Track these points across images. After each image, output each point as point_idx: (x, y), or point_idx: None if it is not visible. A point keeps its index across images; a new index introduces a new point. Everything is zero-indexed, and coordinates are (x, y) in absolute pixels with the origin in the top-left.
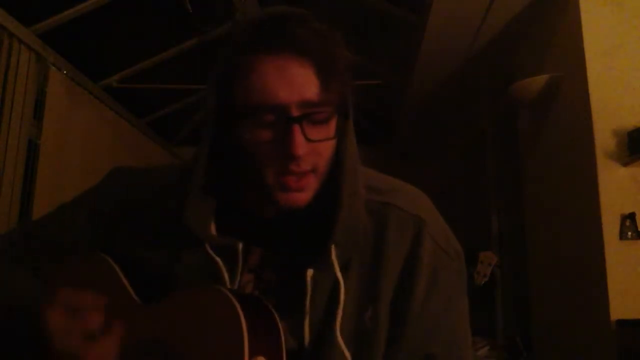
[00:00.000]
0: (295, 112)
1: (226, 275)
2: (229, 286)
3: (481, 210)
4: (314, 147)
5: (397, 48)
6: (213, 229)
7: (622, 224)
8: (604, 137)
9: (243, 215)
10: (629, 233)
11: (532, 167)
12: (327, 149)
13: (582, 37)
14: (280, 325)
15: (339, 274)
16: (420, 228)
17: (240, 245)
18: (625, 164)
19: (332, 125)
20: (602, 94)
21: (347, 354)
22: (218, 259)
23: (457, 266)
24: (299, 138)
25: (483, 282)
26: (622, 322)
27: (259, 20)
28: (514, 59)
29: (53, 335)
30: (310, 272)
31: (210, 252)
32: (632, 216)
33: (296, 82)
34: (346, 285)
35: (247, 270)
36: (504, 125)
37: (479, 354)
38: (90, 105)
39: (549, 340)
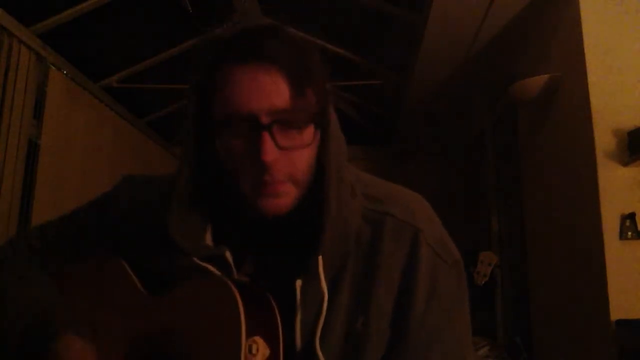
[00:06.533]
0: (265, 120)
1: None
2: None
3: (481, 210)
4: (288, 156)
5: (397, 48)
6: (209, 238)
7: (622, 224)
8: (604, 137)
9: (236, 222)
10: (629, 233)
11: (531, 167)
12: (302, 158)
13: (582, 37)
14: (277, 309)
15: (324, 285)
16: (416, 238)
17: (228, 253)
18: (625, 164)
19: (307, 133)
20: (602, 94)
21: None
22: (209, 266)
23: (455, 274)
24: (267, 144)
25: (483, 282)
26: (622, 322)
27: (232, 34)
28: (514, 59)
29: (65, 330)
30: (299, 283)
31: (199, 262)
32: (632, 216)
33: (266, 90)
34: (337, 295)
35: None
36: (504, 125)
37: (479, 354)
38: (90, 105)
39: (549, 340)
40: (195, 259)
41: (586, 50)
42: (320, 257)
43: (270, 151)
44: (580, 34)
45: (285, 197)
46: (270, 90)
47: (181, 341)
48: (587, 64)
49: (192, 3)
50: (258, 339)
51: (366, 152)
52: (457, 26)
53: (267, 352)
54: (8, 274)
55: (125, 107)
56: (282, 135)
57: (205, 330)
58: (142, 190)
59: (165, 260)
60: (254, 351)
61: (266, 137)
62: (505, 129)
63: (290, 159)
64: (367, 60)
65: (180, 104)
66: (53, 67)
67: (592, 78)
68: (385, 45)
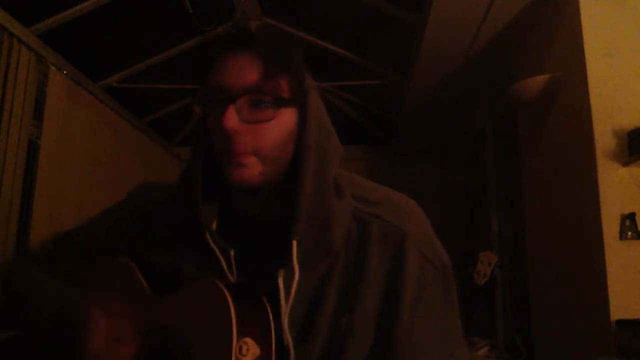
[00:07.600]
0: (234, 94)
1: (226, 269)
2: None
3: (481, 210)
4: (253, 130)
5: (397, 48)
6: (214, 226)
7: (622, 224)
8: (604, 137)
9: (238, 220)
10: (629, 233)
11: (532, 167)
12: (268, 134)
13: (582, 37)
14: (268, 308)
15: (295, 266)
16: (403, 241)
17: (232, 252)
18: (625, 164)
19: (272, 112)
20: (602, 94)
21: (292, 353)
22: (217, 250)
23: (443, 277)
24: (229, 113)
25: (483, 282)
26: (622, 322)
27: (231, 33)
28: (514, 59)
29: (88, 331)
30: (281, 272)
31: (210, 242)
32: (632, 216)
33: (242, 71)
34: (326, 292)
35: (244, 276)
36: (504, 125)
37: (479, 354)
38: (90, 105)
39: (549, 340)
40: (207, 237)
41: (586, 50)
42: (294, 242)
43: (230, 119)
44: (580, 34)
45: (249, 169)
46: (245, 72)
47: (178, 341)
48: (587, 64)
49: (192, 3)
50: (248, 339)
51: (366, 152)
52: (457, 26)
53: (257, 351)
54: (25, 280)
55: (125, 107)
56: (249, 110)
57: (199, 331)
58: (152, 192)
59: (168, 260)
60: (244, 352)
61: (231, 107)
62: (505, 129)
63: (254, 133)
64: (367, 60)
65: (180, 103)
66: (53, 67)
67: (592, 78)
68: (385, 45)
